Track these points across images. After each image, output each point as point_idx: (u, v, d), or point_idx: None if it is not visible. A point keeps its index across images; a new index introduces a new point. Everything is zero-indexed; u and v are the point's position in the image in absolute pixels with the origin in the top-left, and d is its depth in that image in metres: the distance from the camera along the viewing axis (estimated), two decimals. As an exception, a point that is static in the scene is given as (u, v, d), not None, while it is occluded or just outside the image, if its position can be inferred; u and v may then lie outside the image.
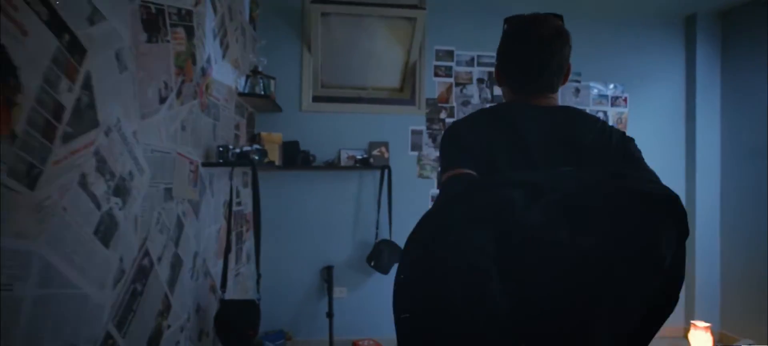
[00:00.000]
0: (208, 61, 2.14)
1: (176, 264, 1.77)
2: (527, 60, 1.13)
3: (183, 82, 1.80)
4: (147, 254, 1.54)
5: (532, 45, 1.11)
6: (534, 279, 0.77)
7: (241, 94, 2.74)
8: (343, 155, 3.36)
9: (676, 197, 0.83)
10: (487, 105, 2.39)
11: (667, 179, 0.96)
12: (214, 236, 2.33)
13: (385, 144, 3.41)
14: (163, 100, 1.64)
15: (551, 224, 0.78)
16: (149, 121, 1.54)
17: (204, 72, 2.08)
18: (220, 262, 2.36)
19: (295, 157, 3.21)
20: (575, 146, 1.06)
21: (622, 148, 1.08)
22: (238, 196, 2.85)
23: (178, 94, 1.75)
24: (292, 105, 3.34)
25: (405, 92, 3.62)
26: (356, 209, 3.40)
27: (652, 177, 0.96)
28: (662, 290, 0.84)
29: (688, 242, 0.86)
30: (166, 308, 1.69)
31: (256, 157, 2.26)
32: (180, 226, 1.81)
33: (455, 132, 1.13)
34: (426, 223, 0.84)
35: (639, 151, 1.10)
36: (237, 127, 2.78)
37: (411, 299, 0.80)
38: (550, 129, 1.08)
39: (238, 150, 2.25)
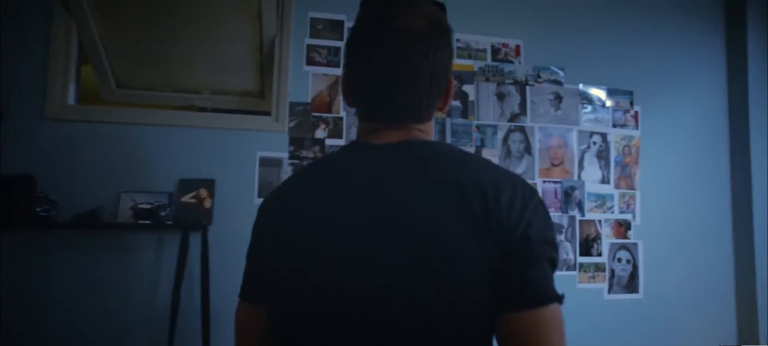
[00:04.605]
0: None
1: None
2: (379, 67, 0.64)
3: None
4: None
5: (392, 43, 0.63)
6: None
7: None
8: (126, 203, 1.79)
9: None
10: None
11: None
12: None
13: (208, 183, 1.85)
14: None
15: None
16: None
17: None
18: None
19: (13, 209, 1.63)
20: (416, 226, 0.58)
21: (518, 235, 0.58)
22: None
23: None
24: (29, 111, 1.80)
25: (267, 98, 2.12)
26: (151, 305, 1.77)
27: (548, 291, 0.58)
28: None
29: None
30: None
31: None
32: None
33: (260, 210, 0.73)
34: None
35: (547, 238, 0.60)
36: None
37: None
38: (382, 192, 0.61)
39: None
